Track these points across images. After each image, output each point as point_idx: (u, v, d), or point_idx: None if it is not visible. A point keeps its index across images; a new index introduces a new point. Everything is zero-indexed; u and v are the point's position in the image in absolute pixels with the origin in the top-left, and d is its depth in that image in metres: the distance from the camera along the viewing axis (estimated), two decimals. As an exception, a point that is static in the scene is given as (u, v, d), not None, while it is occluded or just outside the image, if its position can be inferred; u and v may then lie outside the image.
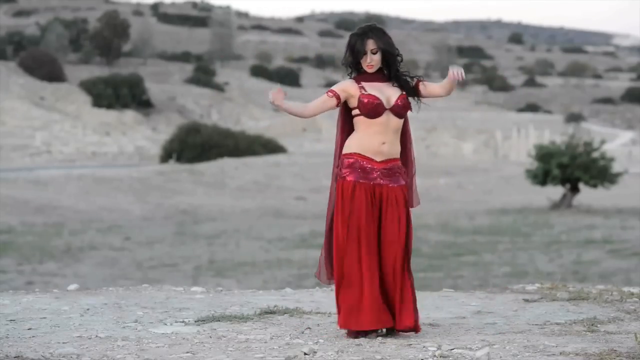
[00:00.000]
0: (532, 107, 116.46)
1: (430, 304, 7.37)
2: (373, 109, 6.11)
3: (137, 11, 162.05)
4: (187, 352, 5.70)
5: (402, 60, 6.27)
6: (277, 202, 39.62)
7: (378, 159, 6.14)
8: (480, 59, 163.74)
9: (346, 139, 6.23)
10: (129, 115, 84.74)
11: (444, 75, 6.30)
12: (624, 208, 35.27)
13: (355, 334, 6.08)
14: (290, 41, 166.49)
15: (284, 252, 25.49)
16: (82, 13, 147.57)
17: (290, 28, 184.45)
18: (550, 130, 70.78)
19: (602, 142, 37.20)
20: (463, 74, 6.03)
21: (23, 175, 42.41)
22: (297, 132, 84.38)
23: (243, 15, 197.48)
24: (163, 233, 29.82)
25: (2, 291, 8.44)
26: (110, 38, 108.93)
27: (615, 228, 29.09)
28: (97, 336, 6.15)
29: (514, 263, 23.43)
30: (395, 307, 6.08)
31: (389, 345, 5.88)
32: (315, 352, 5.67)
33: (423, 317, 6.42)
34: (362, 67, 6.20)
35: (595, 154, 36.07)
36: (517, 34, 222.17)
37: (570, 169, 35.49)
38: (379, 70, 6.23)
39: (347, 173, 6.12)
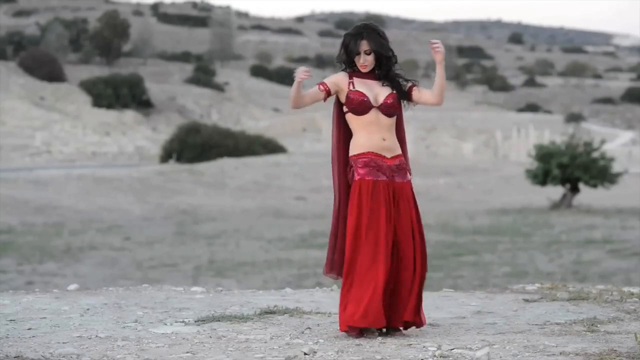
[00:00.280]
0: (532, 107, 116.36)
1: (430, 304, 7.36)
2: (359, 105, 6.14)
3: (137, 11, 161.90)
4: (187, 352, 5.70)
5: (396, 62, 6.28)
6: (277, 202, 39.61)
7: (389, 156, 6.16)
8: (480, 59, 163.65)
9: (343, 133, 6.25)
10: (129, 115, 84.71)
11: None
12: (624, 208, 35.27)
13: (359, 332, 6.07)
14: (290, 41, 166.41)
15: (284, 252, 25.48)
16: (82, 13, 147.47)
17: (290, 28, 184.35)
18: (550, 130, 70.69)
19: (602, 142, 37.18)
20: (442, 47, 6.06)
21: (23, 175, 42.38)
22: (297, 132, 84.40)
23: (243, 15, 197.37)
24: (163, 233, 29.81)
25: (2, 291, 8.44)
26: (110, 38, 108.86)
27: (615, 228, 29.08)
28: (97, 336, 6.14)
29: (514, 263, 23.42)
30: (404, 302, 6.09)
31: (389, 345, 5.87)
32: (315, 352, 5.67)
33: (423, 317, 6.41)
34: (356, 66, 6.22)
35: (595, 154, 36.06)
36: (517, 34, 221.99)
37: (570, 169, 35.48)
38: (374, 68, 6.25)
39: (365, 173, 6.11)
